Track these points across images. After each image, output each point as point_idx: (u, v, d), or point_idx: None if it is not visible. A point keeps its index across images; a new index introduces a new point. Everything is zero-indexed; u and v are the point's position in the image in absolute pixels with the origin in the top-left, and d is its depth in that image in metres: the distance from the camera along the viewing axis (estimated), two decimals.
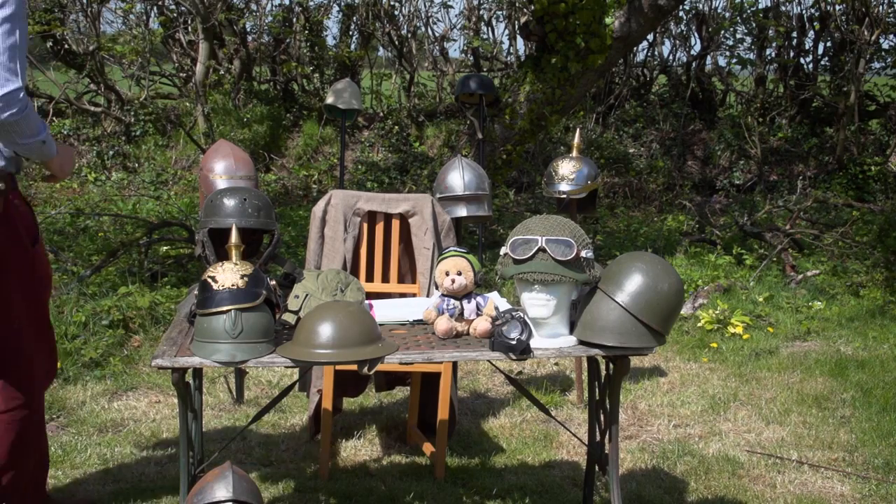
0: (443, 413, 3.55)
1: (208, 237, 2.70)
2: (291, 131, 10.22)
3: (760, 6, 10.86)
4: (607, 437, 2.84)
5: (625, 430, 4.08)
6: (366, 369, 2.43)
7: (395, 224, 3.66)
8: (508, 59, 11.40)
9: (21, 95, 2.59)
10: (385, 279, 3.66)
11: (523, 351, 2.52)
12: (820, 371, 4.92)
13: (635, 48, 10.81)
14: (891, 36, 10.69)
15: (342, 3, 10.79)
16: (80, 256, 6.24)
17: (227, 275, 2.48)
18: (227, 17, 9.77)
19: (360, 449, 3.84)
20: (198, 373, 2.69)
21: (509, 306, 2.76)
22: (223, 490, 2.46)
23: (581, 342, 2.61)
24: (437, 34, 11.26)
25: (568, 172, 4.12)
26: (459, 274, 2.70)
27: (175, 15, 10.51)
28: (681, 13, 10.95)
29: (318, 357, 2.42)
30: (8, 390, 2.85)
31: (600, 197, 8.18)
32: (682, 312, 4.27)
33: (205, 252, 2.70)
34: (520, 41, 10.96)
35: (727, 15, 11.20)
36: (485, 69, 10.85)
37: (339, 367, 3.41)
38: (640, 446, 3.92)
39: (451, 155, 7.42)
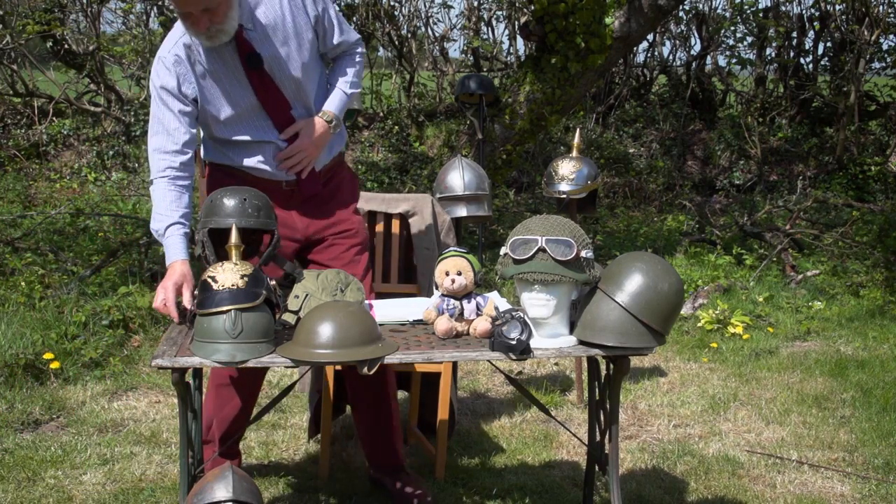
0: (443, 413, 3.55)
1: (208, 237, 2.70)
2: None
3: (760, 6, 10.86)
4: (607, 437, 2.83)
5: (625, 430, 4.08)
6: (365, 369, 2.43)
7: (395, 224, 3.66)
8: (508, 59, 11.39)
9: (155, 165, 2.88)
10: (385, 279, 3.66)
11: (523, 351, 2.52)
12: (820, 371, 4.92)
13: (635, 48, 10.80)
14: (891, 36, 10.68)
15: (342, 3, 10.78)
16: (80, 256, 6.24)
17: (227, 275, 2.48)
18: None
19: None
20: (198, 373, 2.69)
21: (509, 306, 2.76)
22: (223, 490, 2.46)
23: (581, 342, 2.61)
24: (437, 34, 11.26)
25: (568, 172, 4.12)
26: (459, 274, 2.70)
27: (175, 15, 10.49)
28: (681, 13, 10.94)
29: (318, 357, 2.42)
30: None
31: (600, 197, 8.17)
32: (682, 312, 4.27)
33: (205, 252, 2.70)
34: (520, 41, 10.96)
35: (727, 15, 11.19)
36: (485, 69, 10.85)
37: (338, 369, 3.42)
38: (640, 446, 3.92)
39: (451, 155, 7.41)
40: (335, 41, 3.08)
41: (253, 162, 3.03)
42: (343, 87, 3.13)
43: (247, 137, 3.01)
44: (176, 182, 2.87)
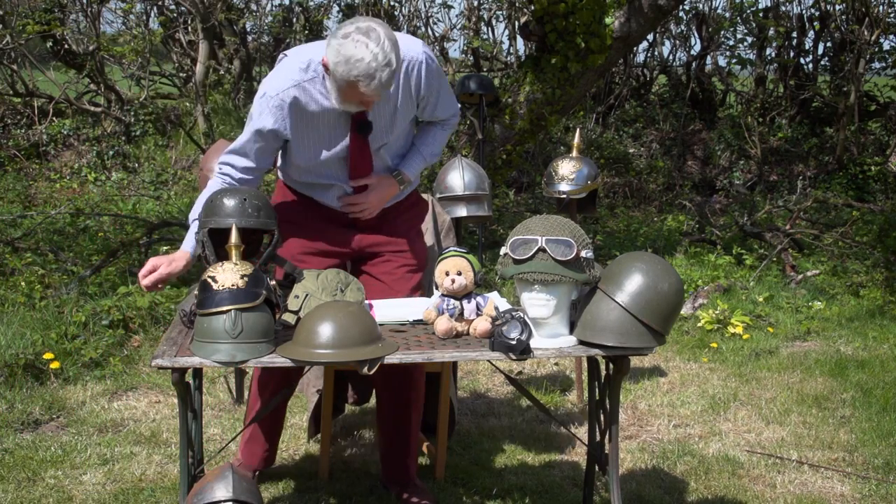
0: (443, 413, 3.54)
1: (208, 237, 2.70)
2: None
3: (760, 6, 10.86)
4: (607, 437, 2.84)
5: (625, 430, 4.08)
6: (365, 369, 2.43)
7: None
8: (508, 59, 11.40)
9: (219, 165, 2.97)
10: None
11: (523, 351, 2.52)
12: (820, 371, 4.92)
13: (635, 48, 10.80)
14: (891, 36, 10.69)
15: (342, 3, 10.78)
16: (80, 256, 6.24)
17: (227, 275, 2.48)
18: (227, 17, 9.77)
19: (360, 449, 3.84)
20: (198, 373, 2.69)
21: (509, 306, 2.76)
22: (223, 490, 2.46)
23: (581, 342, 2.61)
24: (437, 34, 11.26)
25: (568, 172, 4.12)
26: (459, 274, 2.70)
27: (175, 15, 10.51)
28: (681, 13, 10.94)
29: (318, 357, 2.42)
30: None
31: (600, 197, 8.17)
32: (682, 312, 4.27)
33: (205, 252, 2.70)
34: (520, 41, 10.96)
35: (727, 15, 11.19)
36: (485, 69, 10.84)
37: (339, 369, 3.41)
38: (640, 446, 3.92)
39: (450, 155, 7.41)
40: (434, 114, 3.13)
41: (316, 194, 3.11)
42: (425, 153, 3.17)
43: (320, 181, 3.07)
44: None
